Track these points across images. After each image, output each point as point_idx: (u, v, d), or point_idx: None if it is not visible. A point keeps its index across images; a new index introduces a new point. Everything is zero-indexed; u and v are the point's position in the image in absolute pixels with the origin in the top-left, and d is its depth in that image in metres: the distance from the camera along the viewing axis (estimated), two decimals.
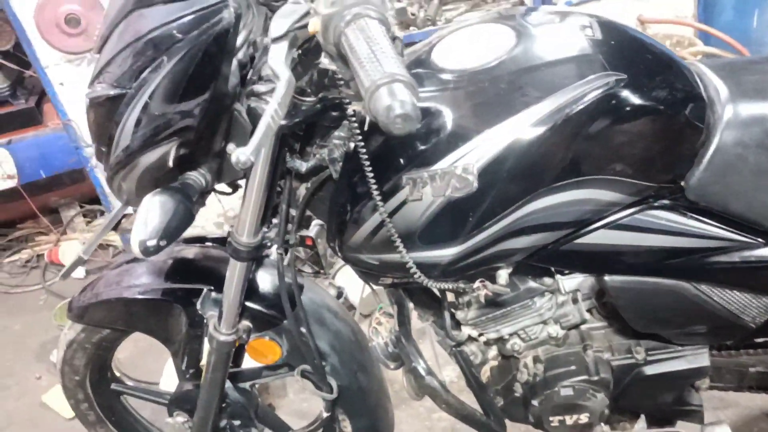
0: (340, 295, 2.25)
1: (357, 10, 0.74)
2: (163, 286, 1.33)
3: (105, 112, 0.98)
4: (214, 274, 1.32)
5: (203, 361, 1.36)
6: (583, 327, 1.27)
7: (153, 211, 0.94)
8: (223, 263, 1.33)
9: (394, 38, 0.75)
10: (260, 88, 0.97)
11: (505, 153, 0.93)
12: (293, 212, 1.19)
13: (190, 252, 1.39)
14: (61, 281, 2.78)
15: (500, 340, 1.26)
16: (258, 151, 0.77)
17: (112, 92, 0.95)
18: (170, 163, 0.98)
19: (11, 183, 2.72)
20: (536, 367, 1.27)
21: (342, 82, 0.94)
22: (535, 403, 1.25)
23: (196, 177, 1.02)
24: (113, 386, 1.61)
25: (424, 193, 0.97)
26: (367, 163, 0.96)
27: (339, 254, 1.14)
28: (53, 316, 2.40)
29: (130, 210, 1.24)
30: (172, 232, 0.95)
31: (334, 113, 1.08)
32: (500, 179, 0.94)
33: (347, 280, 2.30)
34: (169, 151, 0.97)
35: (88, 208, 2.96)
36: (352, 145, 1.08)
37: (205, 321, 1.27)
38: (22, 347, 2.47)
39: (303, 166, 1.10)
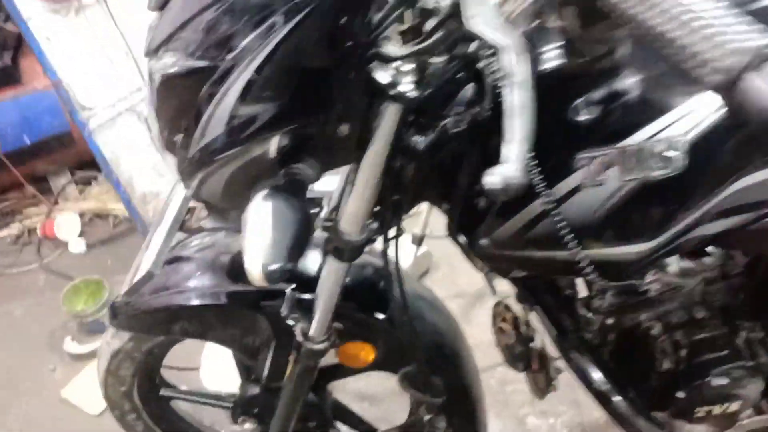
0: None
1: None
2: (229, 288, 1.12)
3: (181, 92, 0.74)
4: None
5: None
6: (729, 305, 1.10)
7: (266, 224, 0.71)
8: None
9: None
10: (391, 49, 0.73)
11: (725, 121, 0.72)
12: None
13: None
14: (59, 257, 2.54)
15: (636, 327, 1.09)
16: (525, 167, 0.55)
17: (195, 65, 0.71)
18: (273, 155, 0.75)
19: None
20: (678, 354, 1.10)
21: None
22: (681, 395, 1.09)
23: (305, 170, 0.79)
24: (162, 392, 1.42)
25: (608, 176, 0.75)
26: None
27: (469, 250, 0.93)
28: (62, 301, 2.16)
29: (193, 203, 1.00)
30: (296, 248, 0.73)
31: (460, 74, 0.85)
32: (715, 154, 0.73)
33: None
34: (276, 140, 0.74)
35: (80, 175, 2.67)
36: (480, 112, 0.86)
37: (292, 326, 1.06)
38: (28, 336, 2.23)
39: (421, 142, 0.88)
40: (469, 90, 0.87)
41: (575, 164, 0.77)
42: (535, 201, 0.80)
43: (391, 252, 1.00)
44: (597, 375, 1.02)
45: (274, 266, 0.70)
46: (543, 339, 1.10)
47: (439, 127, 0.87)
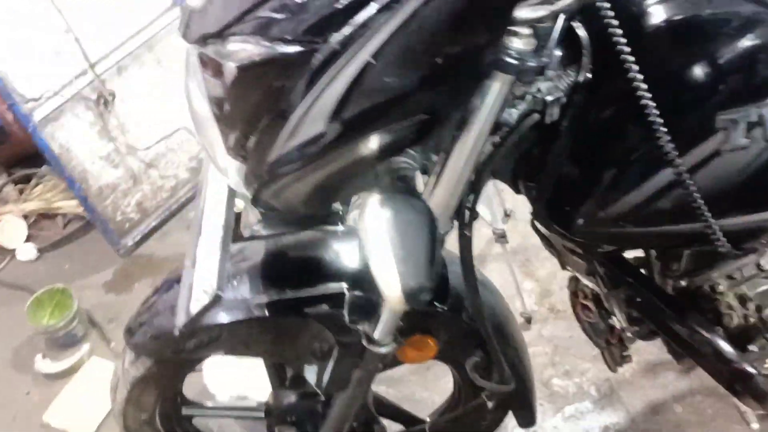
0: None
1: None
2: (265, 299, 0.99)
3: (261, 84, 0.61)
4: (335, 267, 1.00)
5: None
6: None
7: (391, 235, 0.60)
8: (334, 250, 1.01)
9: None
10: (527, 12, 0.60)
11: None
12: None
13: (282, 243, 1.04)
14: (8, 267, 2.29)
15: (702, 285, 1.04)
16: None
17: (284, 51, 0.58)
18: (376, 154, 0.63)
19: None
20: (746, 307, 1.07)
21: None
22: (753, 347, 1.06)
23: (409, 164, 0.67)
24: (185, 411, 1.29)
25: (754, 138, 0.68)
26: (648, 95, 0.65)
27: (561, 231, 0.84)
28: (27, 316, 1.95)
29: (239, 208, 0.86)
30: (433, 258, 0.61)
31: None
32: None
33: None
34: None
35: (19, 174, 2.40)
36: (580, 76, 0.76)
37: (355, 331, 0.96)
38: None
39: (513, 114, 0.77)
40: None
41: (712, 127, 0.69)
42: (661, 171, 0.71)
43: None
44: (729, 350, 0.96)
45: (416, 286, 0.59)
46: (618, 312, 1.04)
47: (530, 95, 0.77)
